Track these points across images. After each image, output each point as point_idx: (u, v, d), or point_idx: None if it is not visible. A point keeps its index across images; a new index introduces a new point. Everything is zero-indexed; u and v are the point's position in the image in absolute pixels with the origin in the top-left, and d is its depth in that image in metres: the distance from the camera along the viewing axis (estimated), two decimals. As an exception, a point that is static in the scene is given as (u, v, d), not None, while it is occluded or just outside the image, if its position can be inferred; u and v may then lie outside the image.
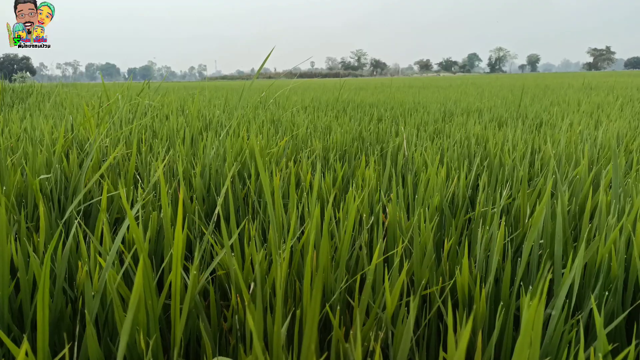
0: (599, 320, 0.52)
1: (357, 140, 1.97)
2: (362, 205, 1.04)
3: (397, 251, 0.72)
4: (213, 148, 1.27)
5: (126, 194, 0.99)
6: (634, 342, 0.49)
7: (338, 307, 0.54)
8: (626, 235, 0.74)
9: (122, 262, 0.88)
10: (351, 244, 0.89)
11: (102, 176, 1.24)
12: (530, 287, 0.57)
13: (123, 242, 0.94)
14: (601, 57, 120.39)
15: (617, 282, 0.72)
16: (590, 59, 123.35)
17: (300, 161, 1.46)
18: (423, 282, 0.65)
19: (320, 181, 1.29)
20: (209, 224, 1.03)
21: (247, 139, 1.56)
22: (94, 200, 0.97)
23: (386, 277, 0.58)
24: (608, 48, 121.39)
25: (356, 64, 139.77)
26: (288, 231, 0.97)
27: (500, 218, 1.12)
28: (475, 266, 0.82)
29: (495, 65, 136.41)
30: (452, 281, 0.74)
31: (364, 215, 0.89)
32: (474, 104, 4.36)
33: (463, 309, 0.69)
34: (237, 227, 1.09)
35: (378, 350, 0.45)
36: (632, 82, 9.38)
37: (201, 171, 1.20)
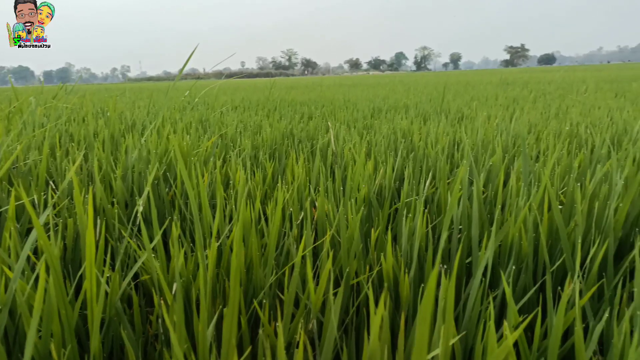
0: (509, 293, 0.56)
1: (287, 138, 1.97)
2: (292, 200, 1.04)
3: (325, 239, 0.73)
4: (135, 150, 1.22)
5: (37, 201, 0.92)
6: (539, 309, 0.53)
7: (265, 302, 0.53)
8: (534, 216, 0.80)
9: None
10: (282, 240, 0.89)
11: (11, 184, 1.15)
12: (445, 267, 0.60)
13: (36, 252, 0.88)
14: (517, 55, 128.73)
15: (527, 259, 0.77)
16: (507, 56, 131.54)
17: (229, 160, 1.44)
18: (347, 270, 0.66)
19: (250, 179, 1.28)
20: (133, 230, 0.98)
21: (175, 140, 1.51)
22: (2, 209, 0.90)
23: (309, 269, 0.58)
24: (523, 46, 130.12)
25: (287, 64, 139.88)
26: (217, 231, 0.96)
27: (426, 207, 1.16)
28: (401, 254, 0.85)
29: (421, 64, 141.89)
30: (378, 268, 0.76)
31: (292, 210, 0.90)
32: (401, 100, 4.51)
33: (389, 293, 0.71)
34: (162, 229, 1.05)
35: (302, 340, 0.46)
36: (545, 77, 10.12)
37: (123, 174, 1.15)
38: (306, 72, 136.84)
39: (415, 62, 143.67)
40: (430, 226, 0.95)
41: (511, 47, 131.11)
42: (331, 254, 0.61)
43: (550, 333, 0.58)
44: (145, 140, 1.27)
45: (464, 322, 0.68)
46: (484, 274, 0.77)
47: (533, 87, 6.14)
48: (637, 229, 0.92)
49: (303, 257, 0.80)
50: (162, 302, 0.60)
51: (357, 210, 1.00)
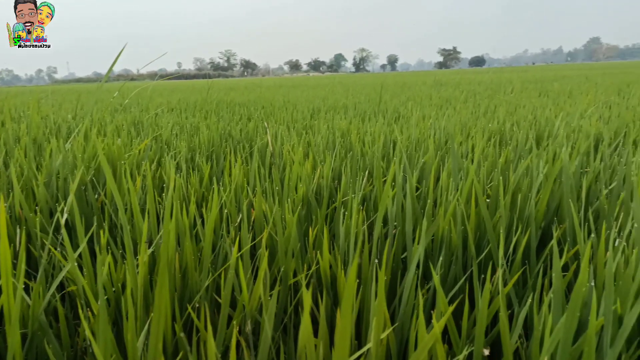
0: (437, 281, 0.58)
1: (226, 139, 1.94)
2: (229, 201, 1.03)
3: (263, 238, 0.73)
4: (60, 155, 1.15)
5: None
6: (466, 297, 0.56)
7: (197, 306, 0.52)
8: (462, 209, 0.84)
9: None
10: (220, 242, 0.88)
11: None
12: (376, 261, 0.61)
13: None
14: (450, 57, 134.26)
15: (457, 251, 0.81)
16: (441, 59, 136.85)
17: (164, 163, 1.40)
18: (283, 269, 0.66)
19: (186, 182, 1.25)
20: (57, 238, 0.93)
21: (103, 143, 1.45)
22: None
23: (242, 271, 0.58)
24: (455, 48, 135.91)
25: (226, 65, 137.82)
26: (149, 236, 0.92)
27: (364, 204, 1.19)
28: (339, 251, 0.86)
29: (359, 65, 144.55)
30: (316, 267, 0.77)
31: (226, 212, 0.88)
32: (341, 101, 4.57)
33: (326, 291, 0.72)
34: (88, 236, 1.00)
35: (234, 341, 0.45)
36: (475, 78, 10.62)
37: (47, 181, 1.08)
38: (246, 74, 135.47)
39: (354, 64, 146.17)
40: (367, 223, 0.97)
41: (444, 49, 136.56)
42: (266, 254, 0.61)
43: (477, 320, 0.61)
44: (71, 144, 1.20)
45: (399, 315, 0.70)
46: (419, 267, 0.80)
47: (464, 88, 6.43)
48: (556, 219, 0.99)
49: (241, 258, 0.79)
50: (89, 313, 0.58)
51: (295, 210, 1.00)
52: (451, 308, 0.48)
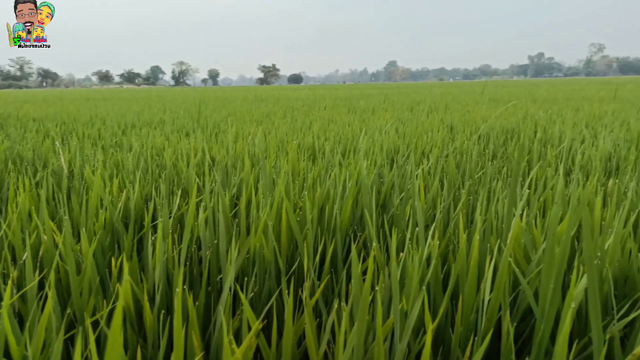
0: (244, 299, 0.58)
1: (12, 161, 1.66)
2: (12, 234, 0.87)
3: (51, 274, 0.63)
4: None
5: None
6: (274, 313, 0.56)
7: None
8: (272, 225, 0.85)
9: None
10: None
11: None
12: (184, 287, 0.58)
13: None
14: (270, 74, 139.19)
15: (270, 266, 0.82)
16: (262, 75, 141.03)
17: None
18: (69, 311, 0.58)
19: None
20: None
21: None
22: None
23: (7, 321, 0.49)
24: (274, 65, 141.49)
25: (19, 74, 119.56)
26: None
27: (179, 226, 1.13)
28: (147, 281, 0.80)
29: (179, 78, 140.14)
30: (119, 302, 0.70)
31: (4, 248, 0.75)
32: (158, 115, 4.34)
33: (132, 328, 0.65)
34: None
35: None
36: (293, 95, 11.19)
37: None
38: (45, 84, 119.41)
39: (173, 77, 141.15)
40: (179, 247, 0.92)
41: (264, 66, 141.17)
42: (52, 294, 0.53)
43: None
44: None
45: (214, 340, 0.68)
46: (233, 288, 0.79)
47: (283, 104, 6.72)
48: (357, 228, 1.08)
49: (23, 301, 0.68)
50: None
51: (93, 239, 0.90)
52: (256, 326, 0.48)
